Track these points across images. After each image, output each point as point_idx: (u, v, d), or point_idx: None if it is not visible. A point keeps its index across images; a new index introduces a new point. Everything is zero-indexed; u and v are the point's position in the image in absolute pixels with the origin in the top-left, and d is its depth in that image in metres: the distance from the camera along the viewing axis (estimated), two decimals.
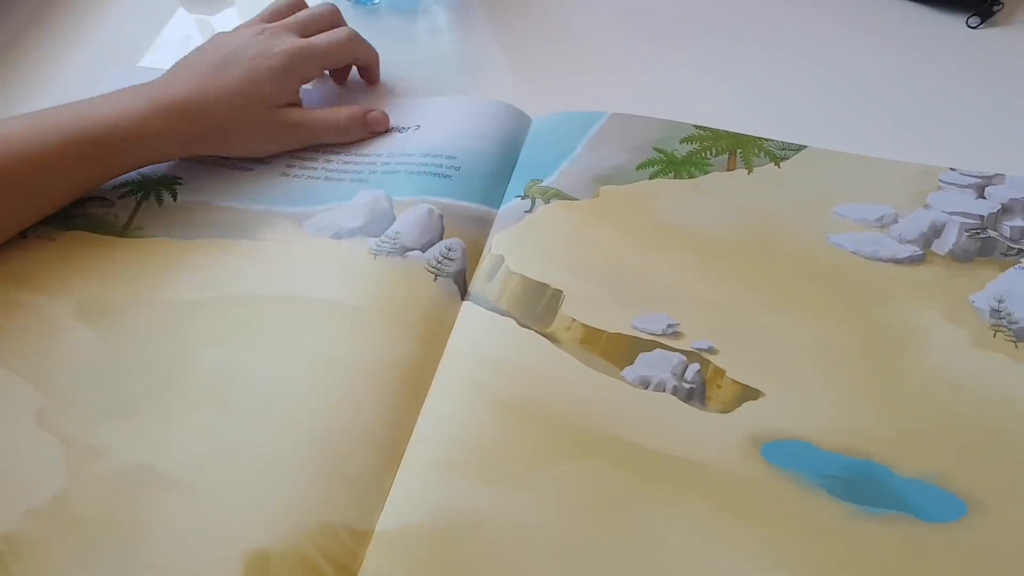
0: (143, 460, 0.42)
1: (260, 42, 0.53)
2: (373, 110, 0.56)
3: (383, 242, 0.50)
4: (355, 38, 0.57)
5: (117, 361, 0.46)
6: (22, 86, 0.62)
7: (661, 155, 0.54)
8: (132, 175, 0.55)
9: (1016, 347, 0.44)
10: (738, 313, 0.47)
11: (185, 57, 0.54)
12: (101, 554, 0.40)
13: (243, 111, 0.52)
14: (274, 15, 0.57)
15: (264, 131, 0.54)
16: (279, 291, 0.49)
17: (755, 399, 0.44)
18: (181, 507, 0.41)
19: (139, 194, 0.55)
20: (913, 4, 0.63)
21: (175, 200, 0.54)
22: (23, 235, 0.52)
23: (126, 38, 0.65)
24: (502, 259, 0.49)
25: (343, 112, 0.56)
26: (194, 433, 0.43)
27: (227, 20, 0.65)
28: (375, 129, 0.56)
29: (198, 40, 0.62)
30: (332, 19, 0.57)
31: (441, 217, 0.51)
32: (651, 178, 0.53)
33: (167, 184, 0.55)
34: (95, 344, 0.47)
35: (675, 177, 0.53)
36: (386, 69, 0.60)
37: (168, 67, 0.54)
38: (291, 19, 0.56)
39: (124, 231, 0.53)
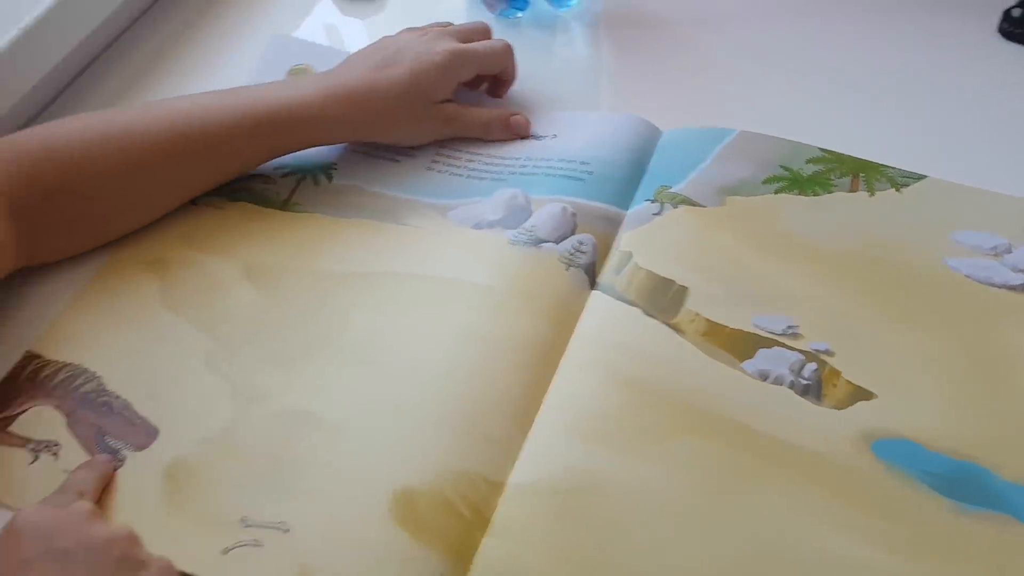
0: (301, 405, 0.47)
1: (424, 43, 0.59)
2: (517, 114, 0.61)
3: (520, 233, 0.54)
4: (509, 51, 0.62)
5: (277, 318, 0.52)
6: (183, 74, 0.68)
7: (787, 172, 0.57)
8: (290, 159, 0.60)
9: None
10: (855, 321, 0.50)
11: (354, 53, 0.60)
12: (265, 479, 0.44)
13: (406, 103, 0.57)
14: (433, 27, 0.62)
15: (422, 122, 0.59)
16: (423, 270, 0.53)
17: (867, 400, 0.46)
18: (336, 446, 0.45)
19: (298, 175, 0.60)
20: None
21: (330, 182, 0.59)
22: (193, 202, 0.58)
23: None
24: (630, 255, 0.53)
25: (491, 112, 0.61)
26: (347, 385, 0.48)
27: (381, 25, 0.71)
28: (516, 132, 0.61)
29: (348, 35, 0.68)
30: (484, 32, 0.62)
31: (574, 215, 0.55)
32: (776, 192, 0.56)
33: (324, 168, 0.60)
34: (258, 301, 0.53)
35: (799, 194, 0.56)
36: (525, 80, 0.64)
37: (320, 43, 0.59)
38: (449, 28, 0.62)
39: (284, 205, 0.58)
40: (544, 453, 0.45)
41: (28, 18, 0.60)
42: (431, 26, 0.62)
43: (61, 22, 0.62)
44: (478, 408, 0.46)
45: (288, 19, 0.71)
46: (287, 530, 0.42)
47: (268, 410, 0.47)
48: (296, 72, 0.66)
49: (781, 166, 0.57)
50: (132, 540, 0.39)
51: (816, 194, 0.56)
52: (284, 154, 0.58)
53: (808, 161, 0.58)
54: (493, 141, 0.61)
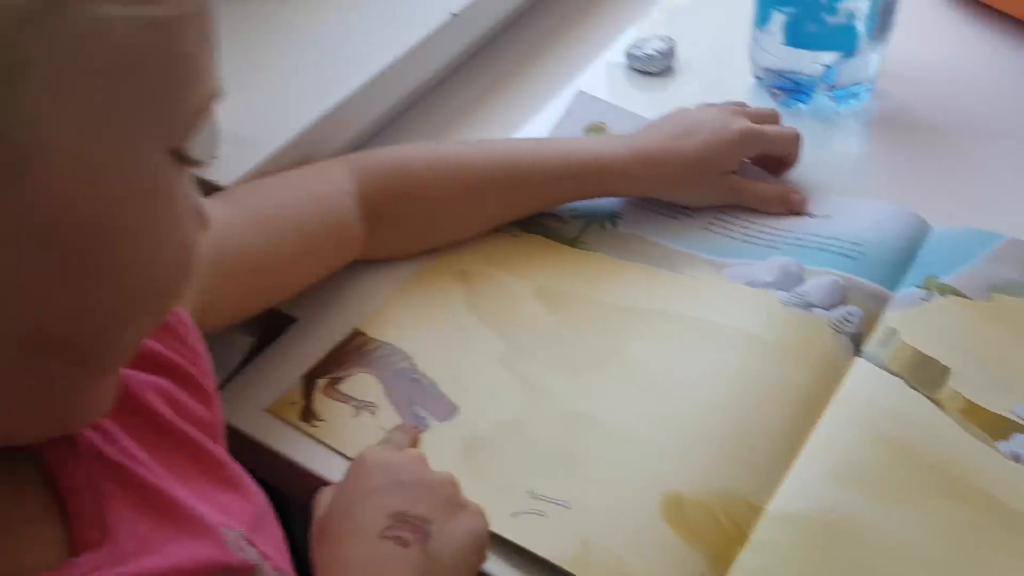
0: (584, 408, 0.54)
1: (721, 118, 0.66)
2: (797, 193, 0.66)
3: (792, 296, 0.60)
4: (798, 138, 0.68)
5: (563, 334, 0.59)
6: (492, 119, 0.78)
7: None
8: (581, 204, 0.68)
9: None
10: None
11: (655, 121, 0.68)
12: (550, 463, 0.51)
13: (698, 170, 0.64)
14: (729, 105, 0.69)
15: (708, 187, 0.66)
16: (698, 314, 0.59)
17: None
18: (615, 446, 0.52)
19: (587, 218, 0.68)
20: None
21: (615, 228, 0.67)
22: (495, 230, 0.66)
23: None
24: (896, 332, 0.57)
25: (771, 188, 0.67)
26: (628, 398, 0.54)
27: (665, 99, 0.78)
28: (793, 208, 0.66)
29: (636, 103, 0.76)
30: (774, 117, 0.69)
31: (844, 288, 0.60)
32: None
33: (610, 215, 0.68)
34: (547, 318, 0.60)
35: None
36: (802, 166, 0.70)
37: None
38: (744, 108, 0.68)
39: (573, 242, 0.66)
40: (803, 488, 0.49)
41: (377, 66, 0.71)
42: (727, 103, 0.69)
43: (402, 70, 0.73)
44: (747, 438, 0.51)
45: (586, 81, 0.80)
46: (569, 508, 0.49)
47: (555, 408, 0.54)
48: (594, 128, 0.74)
49: None
50: (455, 485, 0.47)
51: None
52: (583, 199, 0.67)
53: None
54: (769, 214, 0.66)
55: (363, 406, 0.55)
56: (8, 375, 0.30)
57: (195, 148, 0.30)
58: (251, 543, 0.41)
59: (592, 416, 0.53)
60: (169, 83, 0.29)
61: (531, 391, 0.55)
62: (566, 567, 0.46)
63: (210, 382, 0.45)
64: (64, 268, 0.29)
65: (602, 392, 0.55)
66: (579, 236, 0.66)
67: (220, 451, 0.44)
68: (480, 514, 0.46)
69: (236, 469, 0.45)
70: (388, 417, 0.55)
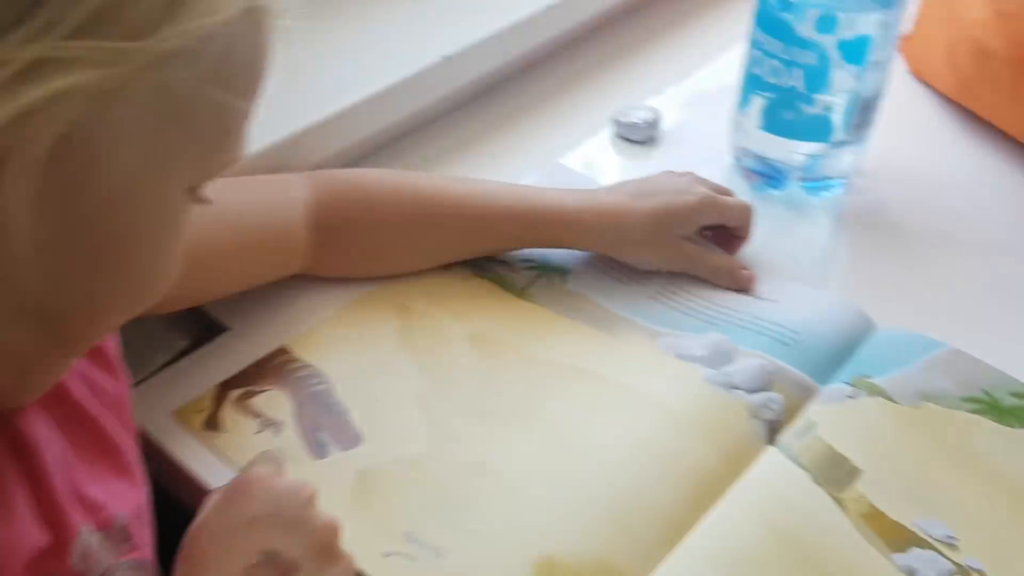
0: (485, 457, 0.54)
1: (683, 183, 0.66)
2: (747, 269, 0.66)
3: (717, 374, 0.59)
4: (751, 211, 0.68)
5: (486, 381, 0.59)
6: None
7: (987, 398, 0.59)
8: (536, 255, 0.69)
9: None
10: (1017, 553, 0.50)
11: (621, 182, 0.68)
12: (437, 507, 0.51)
13: (654, 230, 0.65)
14: (689, 174, 0.69)
15: (662, 250, 0.66)
16: (622, 380, 0.59)
17: None
18: (505, 500, 0.51)
19: (538, 271, 0.68)
20: None
21: (564, 284, 0.67)
22: (447, 267, 0.67)
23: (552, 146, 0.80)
24: (815, 425, 0.56)
25: (724, 260, 0.66)
26: (529, 452, 0.54)
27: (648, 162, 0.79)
28: (741, 284, 0.66)
29: (614, 174, 0.76)
30: (730, 192, 0.69)
31: (772, 374, 0.59)
32: (971, 412, 0.58)
33: (561, 271, 0.68)
34: (475, 363, 0.60)
35: (995, 421, 0.57)
36: (762, 248, 0.70)
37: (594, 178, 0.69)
38: (703, 179, 0.68)
39: (520, 293, 0.66)
40: (682, 569, 0.48)
41: (352, 99, 0.71)
42: (687, 173, 0.69)
43: (382, 104, 0.74)
44: (637, 509, 0.51)
45: (565, 145, 0.80)
46: (441, 556, 0.48)
47: (456, 453, 0.54)
48: None
49: (983, 390, 0.59)
50: (337, 532, 0.44)
51: (1012, 426, 0.57)
52: (536, 246, 0.67)
53: (1012, 393, 0.59)
54: (717, 287, 0.66)
55: (268, 424, 0.55)
56: None
57: (208, 190, 0.37)
58: (129, 532, 0.42)
59: (490, 466, 0.53)
60: (214, 141, 0.36)
61: (438, 432, 0.55)
62: None
63: (114, 350, 0.46)
64: (87, 257, 0.35)
65: (506, 443, 0.54)
66: (528, 287, 0.66)
67: (122, 434, 0.45)
68: (351, 570, 0.45)
69: (133, 455, 0.46)
70: (290, 439, 0.54)
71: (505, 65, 0.84)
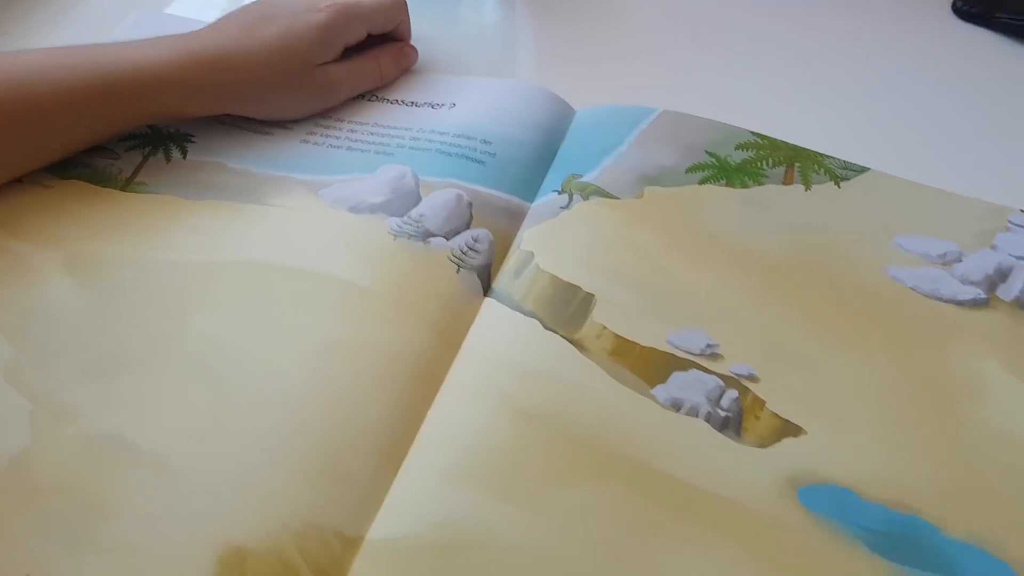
0: (116, 429, 0.38)
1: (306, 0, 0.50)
2: (406, 44, 0.55)
3: (405, 223, 0.46)
4: (401, 5, 0.53)
5: (101, 319, 0.43)
6: (36, 28, 0.58)
7: (713, 160, 0.50)
8: (142, 128, 0.51)
9: None
10: (784, 340, 0.43)
11: (226, 15, 0.51)
12: (60, 528, 0.36)
13: (281, 68, 0.49)
14: None
15: (300, 90, 0.50)
16: (287, 262, 0.45)
17: (796, 436, 0.40)
18: (153, 486, 0.37)
19: (147, 149, 0.51)
20: (996, 36, 0.59)
21: (184, 158, 0.50)
22: (19, 180, 0.48)
23: None
24: (532, 256, 0.46)
25: (382, 53, 0.54)
26: (176, 405, 0.39)
27: None
28: (406, 64, 0.55)
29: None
30: None
31: (470, 205, 0.47)
32: (701, 183, 0.49)
33: (178, 140, 0.51)
34: (79, 299, 0.44)
35: (727, 185, 0.49)
36: (424, 44, 0.56)
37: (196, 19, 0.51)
38: None
39: (126, 185, 0.49)
40: (414, 501, 0.37)
41: None
42: None
43: None
44: (338, 442, 0.38)
45: None
46: None
47: (74, 434, 0.38)
48: None
49: (707, 152, 0.50)
50: None
51: (745, 186, 0.49)
52: (142, 124, 0.49)
53: (738, 147, 0.50)
54: (384, 101, 0.53)
55: None
56: None
57: None
58: None
59: (124, 438, 0.38)
60: None
61: (44, 414, 0.39)
62: None
63: None
64: None
65: (144, 400, 0.39)
66: (135, 175, 0.49)
67: None
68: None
69: None
70: None
71: None
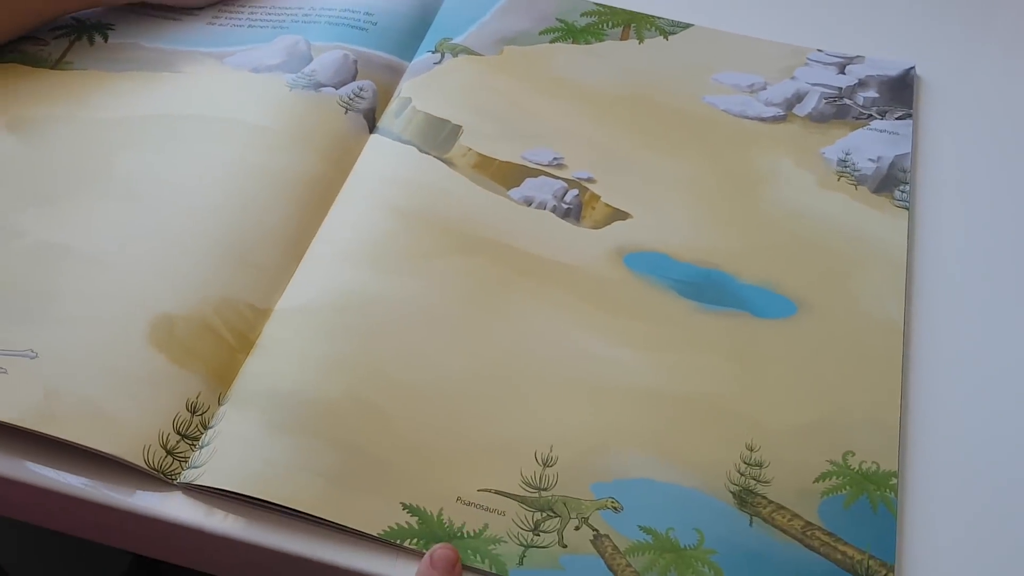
0: (59, 239, 0.46)
1: None
2: None
3: (299, 77, 0.54)
4: None
5: (40, 162, 0.50)
6: None
7: (562, 24, 0.59)
8: (67, 20, 0.58)
9: (856, 189, 0.51)
10: (616, 152, 0.52)
11: None
12: (13, 311, 0.43)
13: None
14: None
15: None
16: (197, 111, 0.53)
17: (623, 219, 0.49)
18: (93, 275, 0.45)
19: (72, 36, 0.58)
20: None
21: (106, 41, 0.58)
22: None
23: None
24: (409, 100, 0.54)
25: None
26: (110, 219, 0.47)
27: None
28: None
29: None
30: None
31: (355, 62, 0.55)
32: (551, 42, 0.58)
33: (100, 28, 0.58)
34: (19, 149, 0.51)
35: (573, 43, 0.58)
36: None
37: None
38: None
39: (55, 64, 0.56)
40: (313, 280, 0.46)
41: None
42: None
43: None
44: (247, 238, 0.46)
45: None
46: (34, 356, 0.42)
47: (21, 247, 0.46)
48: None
49: (557, 19, 0.59)
50: None
51: (588, 43, 0.58)
52: (53, 15, 0.56)
53: (583, 14, 0.59)
54: None
55: None
56: None
57: None
58: None
59: (67, 246, 0.46)
60: None
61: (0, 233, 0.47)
62: (23, 425, 0.39)
63: None
64: None
65: (82, 218, 0.47)
66: (63, 56, 0.56)
67: None
68: None
69: None
70: None
71: None
